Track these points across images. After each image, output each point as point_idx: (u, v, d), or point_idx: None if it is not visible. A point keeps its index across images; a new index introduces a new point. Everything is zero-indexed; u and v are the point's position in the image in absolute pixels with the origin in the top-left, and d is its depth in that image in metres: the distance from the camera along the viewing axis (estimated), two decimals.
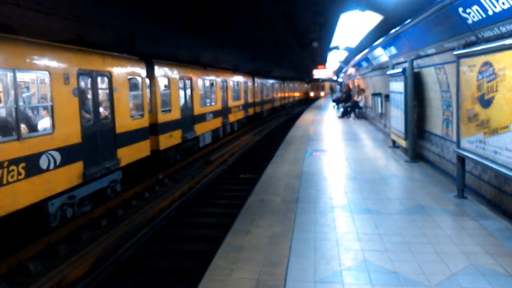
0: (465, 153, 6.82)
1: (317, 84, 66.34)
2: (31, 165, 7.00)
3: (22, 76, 7.97)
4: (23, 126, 7.06)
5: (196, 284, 4.53)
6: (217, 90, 19.33)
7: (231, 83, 22.33)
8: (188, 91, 15.40)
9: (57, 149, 7.68)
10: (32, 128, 7.51)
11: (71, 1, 10.92)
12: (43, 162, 7.32)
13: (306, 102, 58.30)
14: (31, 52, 7.25)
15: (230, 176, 13.60)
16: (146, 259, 7.26)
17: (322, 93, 65.47)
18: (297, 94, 58.57)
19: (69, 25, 11.64)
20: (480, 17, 5.88)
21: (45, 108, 7.82)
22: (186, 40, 19.75)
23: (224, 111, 20.48)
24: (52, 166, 7.52)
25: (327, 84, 66.90)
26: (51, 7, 9.82)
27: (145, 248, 7.71)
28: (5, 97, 7.60)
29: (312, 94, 65.78)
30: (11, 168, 6.57)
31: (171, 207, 9.86)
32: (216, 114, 18.88)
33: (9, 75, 6.88)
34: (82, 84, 8.85)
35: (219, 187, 12.14)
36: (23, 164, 6.82)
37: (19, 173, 6.74)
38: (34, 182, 7.08)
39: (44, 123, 7.75)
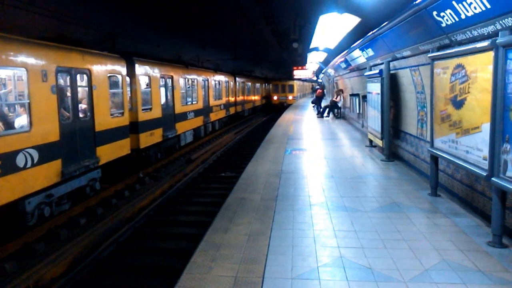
0: (439, 153, 7.01)
1: (283, 84, 47.16)
2: (7, 163, 6.90)
3: None
4: None
5: (175, 281, 4.55)
6: (198, 89, 19.28)
7: (212, 82, 22.30)
8: (169, 90, 15.35)
9: (35, 147, 7.59)
10: (9, 125, 7.39)
11: None
12: (20, 160, 7.22)
13: (264, 111, 43.30)
14: (7, 48, 7.13)
15: (211, 174, 13.63)
16: (125, 257, 7.24)
17: (290, 97, 46.49)
18: (256, 98, 40.20)
19: (50, 23, 11.47)
20: (453, 21, 6.04)
21: (22, 105, 7.71)
22: (167, 39, 19.65)
23: (205, 110, 20.44)
24: (29, 164, 7.42)
25: (297, 84, 49.33)
26: (30, 3, 9.66)
27: (125, 247, 7.69)
28: None
29: (275, 98, 46.42)
30: None
31: (152, 205, 9.83)
32: (197, 113, 18.83)
33: None
34: (61, 81, 8.75)
35: (200, 186, 12.16)
36: None
37: None
38: (10, 180, 6.97)
39: (21, 121, 7.63)
